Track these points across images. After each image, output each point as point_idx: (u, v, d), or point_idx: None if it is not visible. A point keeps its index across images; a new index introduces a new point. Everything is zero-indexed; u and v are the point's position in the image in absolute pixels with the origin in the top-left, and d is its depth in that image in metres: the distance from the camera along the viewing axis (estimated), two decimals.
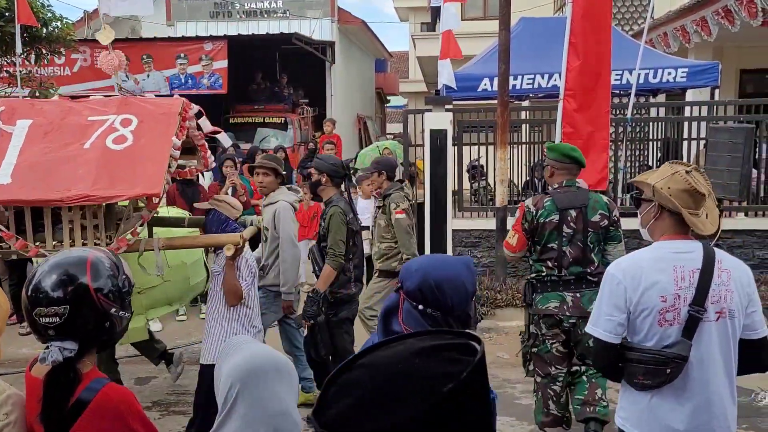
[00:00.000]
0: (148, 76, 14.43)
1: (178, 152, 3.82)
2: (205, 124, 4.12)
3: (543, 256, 4.06)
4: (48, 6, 8.33)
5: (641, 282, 2.47)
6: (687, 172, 2.51)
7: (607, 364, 2.62)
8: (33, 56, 8.63)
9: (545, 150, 4.43)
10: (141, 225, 3.77)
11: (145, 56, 14.35)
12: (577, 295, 4.00)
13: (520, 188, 9.75)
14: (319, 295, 4.48)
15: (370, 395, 0.81)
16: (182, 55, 14.33)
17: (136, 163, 3.61)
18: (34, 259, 4.06)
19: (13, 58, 7.41)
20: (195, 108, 4.05)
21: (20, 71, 6.67)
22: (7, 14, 6.94)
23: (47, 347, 1.86)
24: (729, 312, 2.44)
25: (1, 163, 3.58)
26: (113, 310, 1.90)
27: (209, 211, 4.30)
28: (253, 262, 4.19)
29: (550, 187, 4.21)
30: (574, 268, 4.01)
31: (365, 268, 7.69)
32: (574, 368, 4.18)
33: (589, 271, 4.01)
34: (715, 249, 2.52)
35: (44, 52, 8.53)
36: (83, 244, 3.62)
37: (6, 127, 3.76)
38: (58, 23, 8.48)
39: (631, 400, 2.60)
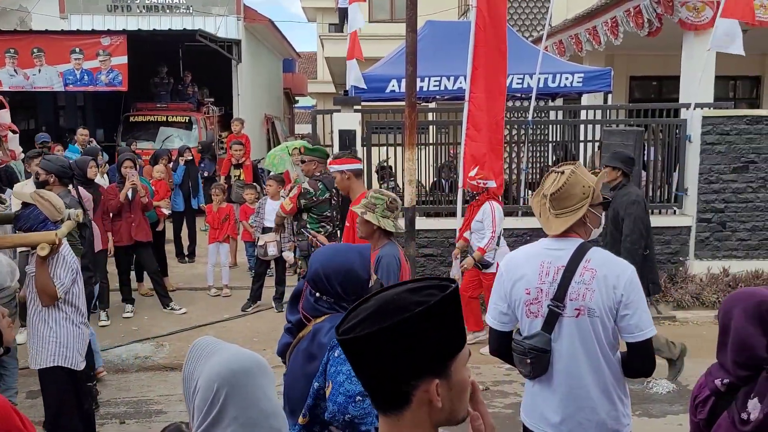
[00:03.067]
0: (40, 71, 13.61)
1: None
2: (5, 117, 3.87)
3: (323, 221, 5.78)
4: None
5: (514, 274, 2.62)
6: (550, 173, 2.66)
7: (496, 350, 2.75)
8: None
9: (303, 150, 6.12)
10: None
11: (35, 50, 13.52)
12: None
13: (427, 188, 9.91)
14: None
15: (370, 314, 1.22)
16: (77, 49, 13.61)
17: None
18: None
19: None
20: None
21: None
22: None
23: None
24: (588, 310, 2.47)
25: None
26: None
27: (27, 205, 4.00)
28: (72, 258, 3.99)
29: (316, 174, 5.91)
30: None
31: (275, 267, 7.65)
32: None
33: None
34: (596, 249, 2.56)
35: None
36: None
37: None
38: None
39: (525, 387, 2.76)
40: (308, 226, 5.78)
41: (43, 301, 3.82)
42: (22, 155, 4.36)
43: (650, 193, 8.55)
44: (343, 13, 16.30)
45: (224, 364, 1.51)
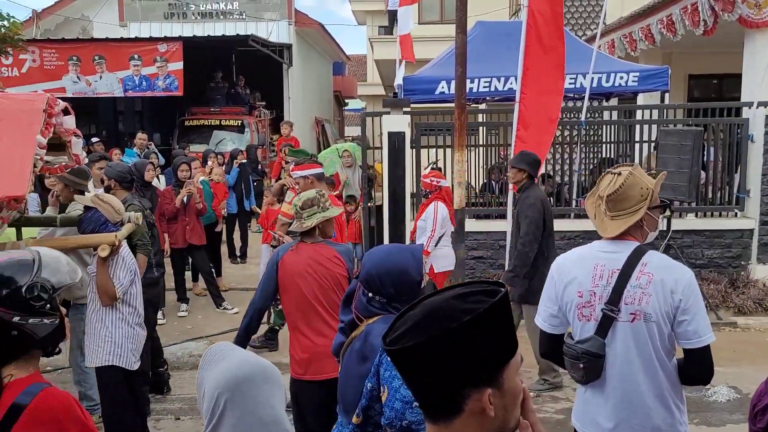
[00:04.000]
0: (101, 77, 14.09)
1: (44, 151, 3.64)
2: (70, 122, 3.97)
3: None
4: None
5: (565, 276, 2.57)
6: (606, 174, 2.59)
7: (548, 352, 2.70)
8: None
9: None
10: (0, 227, 3.62)
11: (96, 57, 14.01)
12: None
13: (477, 190, 9.84)
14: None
15: (418, 323, 1.19)
16: (136, 56, 14.04)
17: None
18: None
19: None
20: (62, 104, 3.90)
21: None
22: None
23: None
24: (644, 315, 2.41)
25: None
26: (16, 318, 1.82)
27: (89, 208, 4.17)
28: (131, 259, 4.09)
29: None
30: None
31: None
32: None
33: None
34: (653, 253, 2.49)
35: None
36: None
37: None
38: (5, 22, 8.21)
39: (577, 392, 2.70)
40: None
41: (103, 300, 3.94)
42: (86, 159, 4.55)
43: (710, 195, 8.27)
44: (393, 16, 16.36)
45: (228, 371, 1.52)
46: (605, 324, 2.47)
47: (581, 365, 2.50)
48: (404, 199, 8.00)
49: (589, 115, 8.73)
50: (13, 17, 8.47)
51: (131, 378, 4.08)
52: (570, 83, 8.77)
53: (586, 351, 2.48)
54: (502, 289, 1.21)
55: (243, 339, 3.61)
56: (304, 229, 3.58)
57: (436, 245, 6.15)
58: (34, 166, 3.50)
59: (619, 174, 2.52)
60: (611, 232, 2.52)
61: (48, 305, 1.87)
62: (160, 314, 7.34)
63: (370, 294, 2.32)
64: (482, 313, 1.15)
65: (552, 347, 2.66)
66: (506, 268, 5.55)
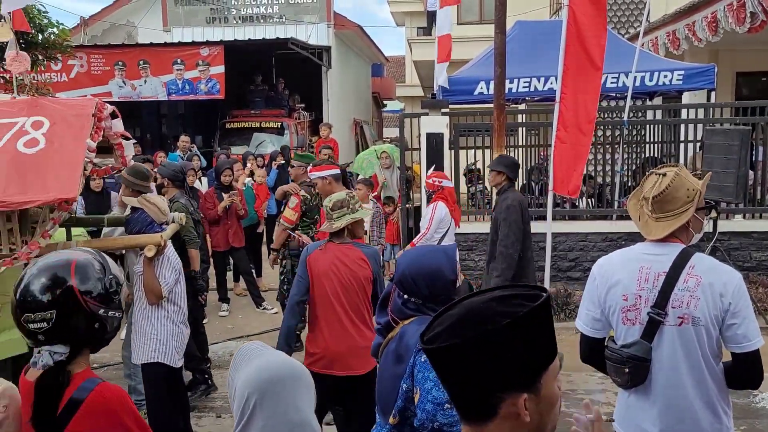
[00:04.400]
0: (145, 81, 14.42)
1: (93, 154, 3.75)
2: (119, 125, 4.08)
3: (312, 225, 5.89)
4: (44, 12, 8.32)
5: (609, 279, 2.51)
6: (649, 175, 2.53)
7: (589, 356, 2.64)
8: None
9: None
10: (52, 228, 3.71)
11: (141, 62, 14.34)
12: None
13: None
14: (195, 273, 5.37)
15: (455, 323, 1.19)
16: (179, 60, 14.32)
17: (49, 168, 3.51)
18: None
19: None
20: (110, 108, 4.00)
21: (16, 77, 6.64)
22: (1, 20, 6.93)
23: (38, 351, 1.85)
24: (693, 319, 2.35)
25: None
26: (102, 311, 1.89)
27: (135, 209, 4.27)
28: (176, 259, 4.17)
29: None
30: None
31: None
32: None
33: None
34: (700, 256, 2.44)
35: (40, 58, 8.51)
36: None
37: None
38: (55, 29, 8.46)
39: (618, 397, 2.65)
40: (299, 229, 5.90)
41: (150, 299, 4.04)
42: (132, 162, 4.69)
43: (758, 196, 8.03)
44: (432, 17, 16.33)
45: (258, 371, 1.53)
46: (651, 328, 2.42)
47: (626, 370, 2.45)
48: None
49: (631, 115, 8.56)
50: (62, 24, 8.73)
51: (175, 375, 4.17)
52: (612, 82, 8.62)
53: (632, 355, 2.43)
54: (544, 294, 1.19)
55: (290, 336, 3.75)
56: (333, 230, 3.64)
57: (438, 244, 6.18)
58: (84, 169, 3.60)
59: (664, 175, 2.46)
60: (656, 235, 2.46)
61: (119, 300, 1.96)
62: (225, 307, 7.52)
63: (405, 295, 2.33)
64: (521, 317, 1.14)
65: (593, 351, 2.61)
66: (494, 271, 5.50)
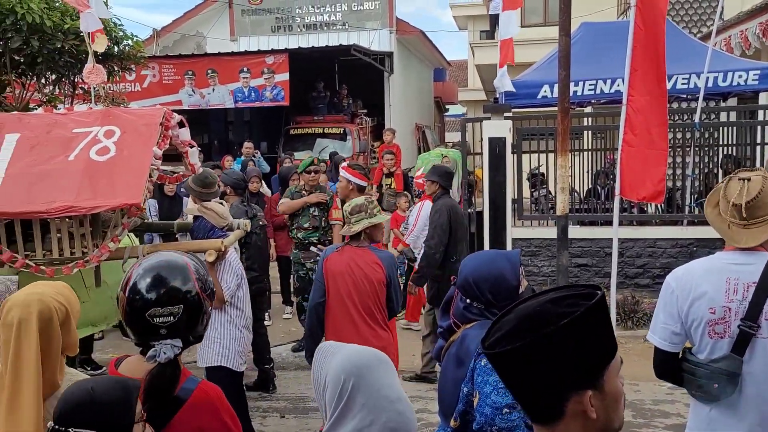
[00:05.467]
0: (213, 90, 14.86)
1: (160, 162, 3.89)
2: (185, 134, 4.21)
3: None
4: (120, 25, 8.69)
5: (691, 291, 2.39)
6: (730, 179, 2.42)
7: (665, 372, 2.53)
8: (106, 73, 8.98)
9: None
10: (121, 233, 3.85)
11: (209, 71, 14.79)
12: None
13: (582, 196, 9.54)
14: None
15: (514, 327, 1.21)
16: (245, 68, 14.70)
17: (117, 174, 3.67)
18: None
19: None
20: (177, 117, 4.14)
21: (94, 88, 6.97)
22: (81, 34, 7.30)
23: (152, 346, 1.90)
24: None
25: None
26: (209, 309, 2.02)
27: (197, 217, 4.39)
28: (238, 264, 4.24)
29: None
30: None
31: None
32: None
33: None
34: None
35: (116, 69, 8.90)
36: (71, 253, 3.72)
37: None
38: (129, 41, 8.82)
39: (695, 410, 2.52)
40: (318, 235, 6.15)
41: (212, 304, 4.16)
42: (200, 169, 4.86)
43: None
44: (494, 20, 16.19)
45: (347, 359, 1.65)
46: (743, 341, 2.31)
47: (715, 385, 2.34)
48: (505, 206, 7.89)
49: (704, 117, 8.26)
50: (136, 36, 9.09)
51: (237, 379, 4.27)
52: (683, 83, 8.34)
53: (723, 370, 2.32)
54: (599, 292, 1.20)
55: (314, 336, 3.88)
56: (351, 233, 3.82)
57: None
58: (150, 176, 3.76)
59: (749, 180, 2.35)
60: (749, 242, 2.34)
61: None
62: (266, 316, 7.66)
63: (468, 300, 2.34)
64: (578, 316, 1.16)
65: (670, 366, 2.49)
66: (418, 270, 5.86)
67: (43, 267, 3.58)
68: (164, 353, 1.87)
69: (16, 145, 3.86)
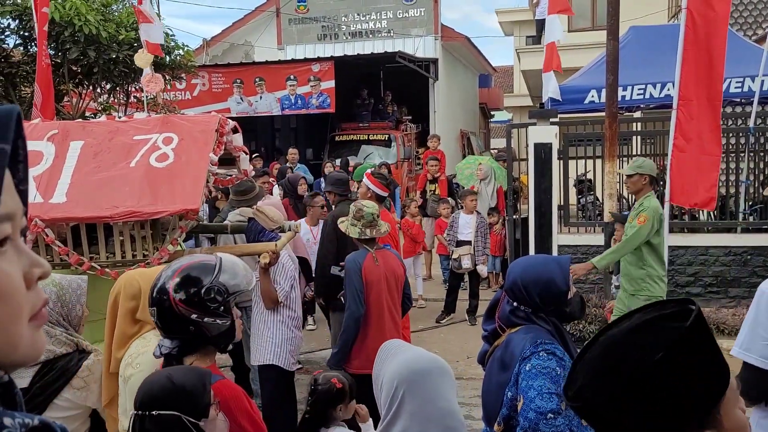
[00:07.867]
0: (261, 97, 15.13)
1: (215, 167, 4.02)
2: (239, 140, 4.33)
3: None
4: (171, 35, 8.94)
5: None
6: None
7: (762, 394, 2.25)
8: None
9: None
10: (180, 235, 3.97)
11: (257, 79, 15.07)
12: None
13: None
14: None
15: (597, 371, 1.02)
16: (292, 76, 14.92)
17: (176, 180, 3.80)
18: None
19: (141, 85, 8.03)
20: (231, 124, 4.25)
21: (146, 96, 7.21)
22: (135, 44, 7.55)
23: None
24: None
25: (58, 183, 3.82)
26: (194, 316, 2.00)
27: (251, 219, 4.50)
28: (291, 266, 4.31)
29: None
30: None
31: (469, 281, 7.76)
32: None
33: None
34: None
35: (168, 78, 9.16)
36: (133, 255, 3.85)
37: (60, 148, 4.02)
38: (180, 51, 9.07)
39: (758, 417, 2.34)
40: None
41: (266, 304, 4.26)
42: (253, 173, 5.00)
43: None
44: (541, 25, 16.04)
45: (405, 364, 1.65)
46: None
47: None
48: (551, 212, 7.80)
49: (759, 122, 8.01)
50: (187, 46, 9.34)
51: (288, 378, 4.34)
52: (736, 87, 8.12)
53: None
54: (693, 308, 1.00)
55: (347, 349, 4.01)
56: (348, 233, 4.11)
57: None
58: (207, 181, 3.88)
59: None
60: None
61: (222, 307, 2.03)
62: (311, 320, 7.74)
63: (515, 303, 2.32)
64: (673, 345, 0.95)
65: (765, 386, 2.24)
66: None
67: (107, 269, 3.72)
68: (156, 351, 2.05)
69: (81, 152, 4.01)
